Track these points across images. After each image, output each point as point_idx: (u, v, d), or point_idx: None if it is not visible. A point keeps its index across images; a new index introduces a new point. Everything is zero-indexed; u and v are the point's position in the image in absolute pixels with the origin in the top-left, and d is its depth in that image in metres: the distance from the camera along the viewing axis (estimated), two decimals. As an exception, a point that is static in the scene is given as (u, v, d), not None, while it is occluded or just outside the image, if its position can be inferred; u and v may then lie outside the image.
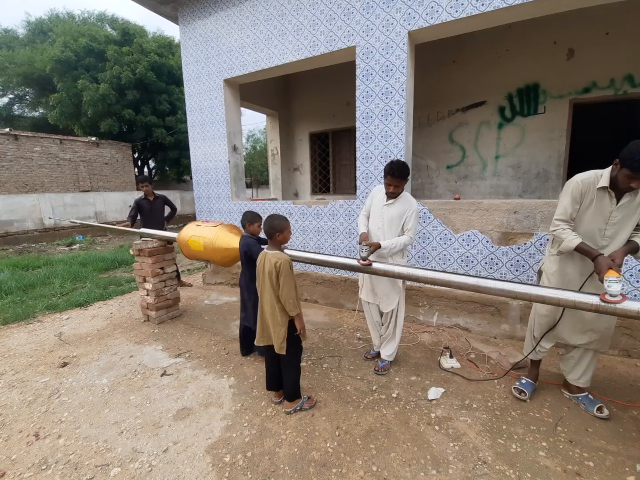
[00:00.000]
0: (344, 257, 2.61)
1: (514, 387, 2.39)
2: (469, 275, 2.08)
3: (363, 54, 3.41)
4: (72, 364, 2.98)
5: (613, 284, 1.64)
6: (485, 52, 4.86)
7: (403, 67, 3.21)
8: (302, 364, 2.67)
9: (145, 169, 20.53)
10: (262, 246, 2.55)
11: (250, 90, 5.55)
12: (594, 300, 1.68)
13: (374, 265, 2.32)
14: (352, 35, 3.44)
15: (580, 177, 1.98)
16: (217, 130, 4.63)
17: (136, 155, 18.31)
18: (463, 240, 3.22)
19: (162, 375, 2.76)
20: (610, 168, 1.91)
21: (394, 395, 2.44)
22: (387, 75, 3.31)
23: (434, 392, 2.44)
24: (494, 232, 3.08)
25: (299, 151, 6.95)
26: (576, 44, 4.40)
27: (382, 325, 2.77)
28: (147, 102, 15.74)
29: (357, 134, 3.53)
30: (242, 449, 1.97)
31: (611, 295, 1.64)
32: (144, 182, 4.73)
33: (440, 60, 5.17)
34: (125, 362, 2.97)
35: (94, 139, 14.03)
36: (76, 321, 3.98)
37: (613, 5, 3.10)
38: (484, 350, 3.03)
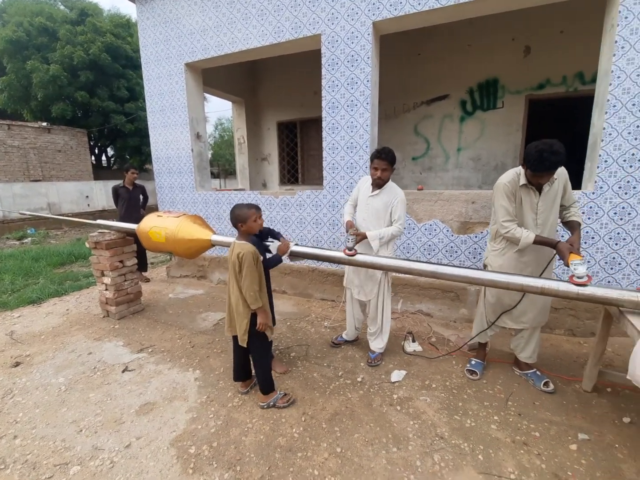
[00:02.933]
0: (328, 249, 2.60)
1: (466, 369, 2.55)
2: (430, 263, 2.17)
3: (329, 43, 3.39)
4: (26, 364, 2.81)
5: (579, 266, 1.79)
6: (449, 46, 4.99)
7: (368, 58, 3.23)
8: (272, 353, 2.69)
9: (104, 157, 19.34)
10: (268, 242, 2.54)
11: (215, 76, 5.36)
12: (540, 282, 1.83)
13: (360, 257, 2.36)
14: (318, 22, 3.40)
15: (505, 179, 2.16)
16: (178, 117, 4.44)
17: (93, 142, 17.17)
18: (425, 229, 3.34)
19: (123, 372, 2.66)
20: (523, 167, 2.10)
21: (359, 379, 2.52)
22: (352, 65, 3.31)
23: (397, 375, 2.55)
24: (453, 221, 3.22)
25: (266, 140, 6.84)
26: (533, 41, 4.63)
27: (368, 317, 2.77)
28: (103, 85, 14.73)
29: (324, 123, 3.53)
30: (207, 440, 1.96)
31: (578, 277, 1.79)
32: (133, 170, 4.73)
33: (405, 53, 5.24)
34: (83, 360, 2.84)
35: (44, 124, 12.99)
36: (29, 319, 3.73)
37: (570, 4, 3.24)
38: (444, 333, 3.19)
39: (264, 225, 2.43)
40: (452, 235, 3.25)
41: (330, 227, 3.78)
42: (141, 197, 5.00)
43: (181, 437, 1.99)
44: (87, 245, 3.64)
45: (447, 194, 3.20)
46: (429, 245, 3.36)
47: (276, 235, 2.54)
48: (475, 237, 3.17)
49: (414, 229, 3.39)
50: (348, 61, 3.33)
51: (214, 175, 25.04)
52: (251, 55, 4.04)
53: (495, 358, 2.74)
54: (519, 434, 1.98)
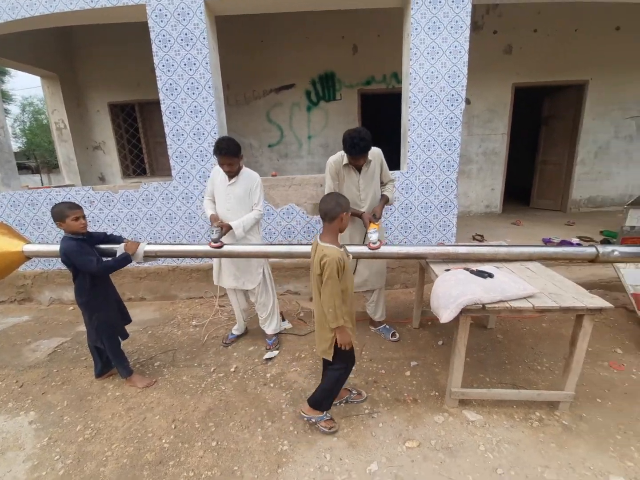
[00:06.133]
0: (191, 244, 2.40)
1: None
2: (283, 244, 2.31)
3: (156, 16, 3.05)
4: None
5: (372, 234, 2.20)
6: (289, 36, 5.20)
7: (204, 39, 3.07)
8: (132, 368, 2.40)
9: None
10: (107, 247, 2.11)
11: (15, 45, 4.13)
12: (364, 249, 2.20)
13: (226, 248, 2.26)
14: (140, -9, 3.00)
15: (332, 159, 2.48)
16: (-51, 92, 3.27)
17: None
18: (284, 213, 3.51)
19: None
20: None
21: (232, 369, 2.51)
22: (187, 45, 3.09)
23: (269, 355, 2.66)
24: (307, 204, 3.48)
25: (97, 126, 5.77)
26: (358, 41, 5.27)
27: (256, 304, 2.73)
28: None
29: (163, 107, 3.21)
30: (50, 489, 1.64)
31: (373, 243, 2.19)
32: None
33: (248, 38, 5.21)
34: None
35: None
36: None
37: (385, 11, 3.77)
38: (309, 307, 3.48)
39: (106, 229, 2.11)
40: (308, 217, 3.52)
41: (187, 220, 3.53)
42: None
43: (12, 498, 1.60)
44: None
45: (299, 179, 3.42)
46: (289, 228, 3.55)
47: (117, 240, 2.26)
48: (327, 216, 3.52)
49: (272, 214, 3.51)
50: (182, 40, 3.09)
51: (32, 170, 19.71)
52: (59, 20, 3.28)
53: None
54: (370, 375, 2.37)
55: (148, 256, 2.32)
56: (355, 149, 2.23)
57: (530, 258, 2.25)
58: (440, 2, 2.99)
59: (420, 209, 3.50)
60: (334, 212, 1.66)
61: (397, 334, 2.82)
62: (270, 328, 2.79)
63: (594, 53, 5.33)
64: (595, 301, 1.69)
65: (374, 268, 2.68)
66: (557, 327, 2.90)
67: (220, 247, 2.30)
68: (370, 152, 2.37)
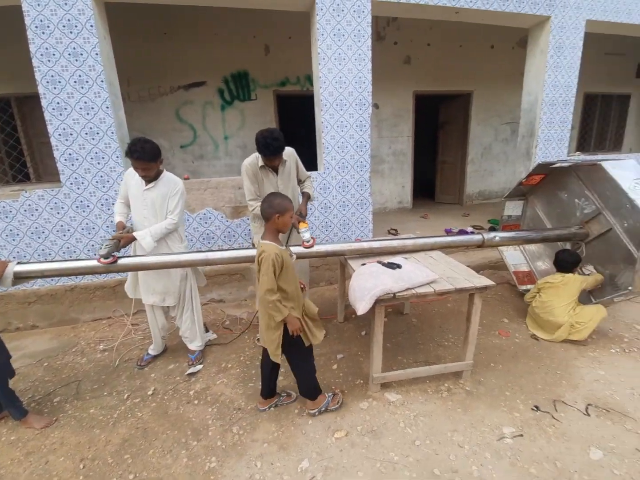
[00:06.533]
0: (75, 260, 2.07)
1: (257, 338, 2.82)
2: (200, 251, 2.19)
3: (29, -2, 2.61)
4: None
5: (304, 233, 2.23)
6: (196, 31, 4.93)
7: (91, 26, 2.73)
8: (26, 407, 2.02)
9: None
10: None
11: None
12: (296, 249, 2.22)
13: (124, 261, 2.00)
14: (2, -36, 2.54)
15: (247, 162, 2.43)
16: None
17: None
18: (200, 218, 3.32)
19: None
20: None
21: (150, 392, 2.30)
22: (71, 32, 2.71)
23: (192, 370, 2.50)
24: (226, 207, 3.36)
25: (-44, 123, 4.71)
26: (270, 41, 5.25)
27: (178, 319, 2.51)
28: None
29: (44, 102, 2.76)
30: None
31: (306, 241, 2.22)
32: None
33: (150, 30, 4.79)
34: None
35: None
36: None
37: (296, 13, 3.75)
38: (236, 314, 3.36)
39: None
40: (227, 221, 3.40)
41: (85, 232, 3.11)
42: None
43: None
44: None
45: (214, 182, 3.28)
46: (208, 234, 3.38)
47: None
48: (248, 219, 3.44)
49: (188, 219, 3.31)
50: (64, 26, 2.70)
51: None
52: None
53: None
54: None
55: (21, 278, 1.97)
56: (269, 149, 2.22)
57: (432, 247, 2.52)
58: (343, 11, 3.15)
59: (339, 207, 3.66)
60: (265, 213, 1.74)
61: (324, 330, 2.90)
62: (193, 344, 2.60)
63: (476, 67, 6.21)
64: (482, 280, 1.98)
65: (297, 268, 2.70)
66: (459, 305, 3.31)
67: (113, 262, 2.06)
68: (284, 152, 2.38)
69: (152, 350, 2.65)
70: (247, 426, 1.97)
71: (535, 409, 2.02)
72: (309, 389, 1.99)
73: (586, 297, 2.78)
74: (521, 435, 1.84)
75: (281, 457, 1.76)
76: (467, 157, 6.66)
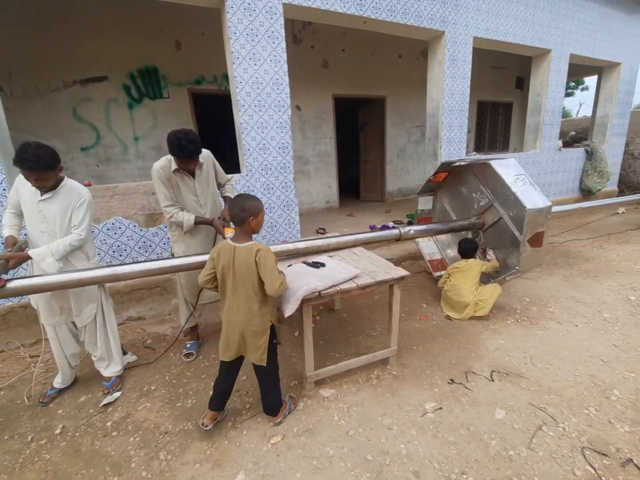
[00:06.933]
0: None
1: (183, 355, 2.63)
2: (106, 266, 1.96)
3: None
4: None
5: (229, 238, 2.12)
6: (92, 21, 4.41)
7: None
8: None
9: None
10: None
11: None
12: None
13: (15, 283, 1.67)
14: None
15: (158, 166, 2.22)
16: None
17: None
18: (108, 229, 2.98)
19: None
20: None
21: (58, 431, 1.99)
22: None
23: (108, 400, 2.24)
24: (138, 215, 3.07)
25: None
26: (181, 37, 4.94)
27: (88, 343, 2.21)
28: None
29: None
30: None
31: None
32: None
33: (36, 18, 4.14)
34: None
35: None
36: None
37: (203, 9, 3.57)
38: (160, 330, 3.10)
39: None
40: (141, 230, 3.11)
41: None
42: None
43: None
44: None
45: (123, 187, 2.97)
46: (119, 246, 3.05)
47: None
48: (166, 227, 3.20)
49: (94, 231, 2.94)
50: None
51: None
52: None
53: (210, 331, 3.00)
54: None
55: None
56: (185, 151, 2.09)
57: (355, 244, 2.65)
58: (254, 10, 3.11)
59: (265, 209, 3.61)
60: (239, 218, 1.69)
61: None
62: (109, 370, 2.32)
63: (387, 74, 6.69)
64: (400, 272, 2.14)
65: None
66: (385, 297, 3.50)
67: (3, 286, 1.74)
68: (200, 155, 2.26)
69: (57, 384, 2.29)
70: (176, 450, 1.83)
71: (450, 382, 2.25)
72: (275, 405, 1.95)
73: (486, 278, 3.20)
74: (440, 408, 2.03)
75: (215, 475, 1.68)
76: (385, 158, 7.15)
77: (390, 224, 4.95)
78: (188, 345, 2.68)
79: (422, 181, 3.62)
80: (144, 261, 2.07)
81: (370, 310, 3.27)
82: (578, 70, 7.61)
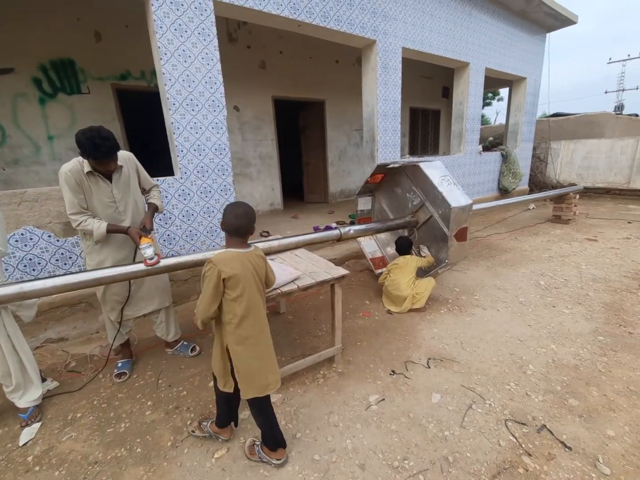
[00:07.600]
0: None
1: (114, 375, 2.40)
2: (13, 283, 1.71)
3: None
4: None
5: (146, 250, 1.98)
6: (-12, 2, 3.84)
7: None
8: None
9: None
10: None
11: None
12: (141, 267, 1.96)
13: None
14: None
15: (67, 168, 1.97)
16: None
17: None
18: (16, 241, 2.61)
19: None
20: None
21: (-44, 480, 1.69)
22: None
23: (27, 434, 1.96)
24: (54, 224, 2.73)
25: None
26: (101, 28, 4.52)
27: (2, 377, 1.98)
28: None
29: None
30: None
31: (149, 259, 1.98)
32: None
33: None
34: None
35: None
36: None
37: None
38: (85, 351, 2.79)
39: None
40: (58, 241, 2.77)
41: None
42: None
43: None
44: None
45: (32, 193, 2.62)
46: (30, 259, 2.69)
47: None
48: (89, 235, 2.90)
49: (-3, 244, 2.55)
50: None
51: None
52: None
53: (144, 347, 2.78)
54: (171, 403, 2.17)
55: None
56: (100, 151, 1.88)
57: (297, 246, 2.65)
58: (182, 5, 2.97)
59: (203, 214, 3.45)
60: (251, 228, 1.58)
61: (197, 347, 2.69)
62: (23, 400, 2.05)
63: (325, 78, 6.83)
64: (340, 271, 2.19)
65: (153, 286, 2.41)
66: (329, 297, 3.59)
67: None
68: (120, 157, 2.08)
69: None
70: (109, 478, 1.66)
71: (392, 373, 2.36)
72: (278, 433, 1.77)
73: (422, 272, 3.42)
74: (383, 399, 2.12)
75: (153, 501, 1.55)
76: (327, 160, 7.29)
77: (334, 225, 5.05)
78: (120, 365, 2.45)
79: (362, 182, 3.75)
80: (67, 274, 1.85)
81: (316, 310, 3.31)
82: (494, 83, 8.53)
